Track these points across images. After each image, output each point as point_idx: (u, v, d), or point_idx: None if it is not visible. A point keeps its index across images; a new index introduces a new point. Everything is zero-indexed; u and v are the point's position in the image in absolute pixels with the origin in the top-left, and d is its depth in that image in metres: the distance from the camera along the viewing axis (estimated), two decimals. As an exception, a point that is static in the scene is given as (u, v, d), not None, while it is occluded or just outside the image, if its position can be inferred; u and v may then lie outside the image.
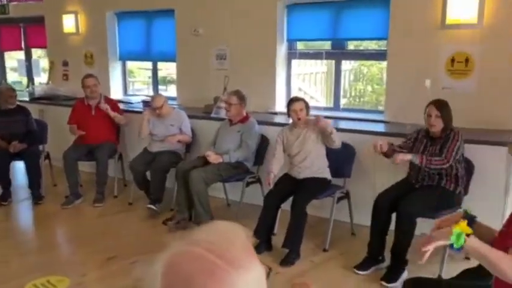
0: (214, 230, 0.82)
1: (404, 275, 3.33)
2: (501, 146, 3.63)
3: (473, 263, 2.36)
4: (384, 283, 3.33)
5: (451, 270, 3.10)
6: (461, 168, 3.51)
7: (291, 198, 3.84)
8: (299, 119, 3.93)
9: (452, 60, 4.22)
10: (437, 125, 3.46)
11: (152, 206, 4.62)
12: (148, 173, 4.81)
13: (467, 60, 4.17)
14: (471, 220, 1.93)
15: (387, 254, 3.53)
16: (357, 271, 3.51)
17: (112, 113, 5.14)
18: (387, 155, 3.61)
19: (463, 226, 1.71)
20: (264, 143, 4.56)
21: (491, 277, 2.10)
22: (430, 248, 1.70)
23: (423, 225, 3.47)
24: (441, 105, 3.47)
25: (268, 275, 0.82)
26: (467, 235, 1.69)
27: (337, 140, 3.86)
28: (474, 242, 1.69)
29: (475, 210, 3.65)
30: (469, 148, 3.58)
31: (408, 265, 3.41)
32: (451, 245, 1.69)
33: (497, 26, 3.98)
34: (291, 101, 4.00)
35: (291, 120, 4.15)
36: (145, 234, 4.28)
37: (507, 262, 1.66)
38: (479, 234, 1.93)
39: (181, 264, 0.74)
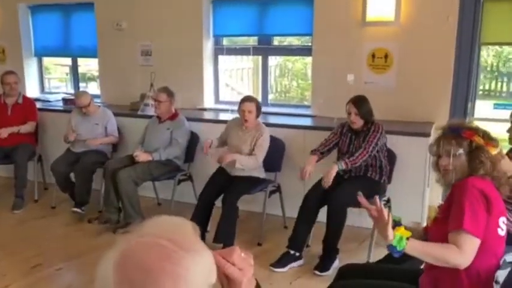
0: (160, 221, 0.83)
1: (336, 264, 3.46)
2: (421, 137, 3.88)
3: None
4: (317, 272, 3.43)
5: (378, 256, 3.28)
6: (384, 158, 3.70)
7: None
8: (246, 120, 3.89)
9: (373, 55, 4.43)
10: (357, 122, 3.62)
11: (77, 209, 4.42)
12: (72, 175, 4.59)
13: (386, 56, 4.39)
14: (399, 225, 2.11)
15: (314, 249, 3.64)
16: (273, 269, 3.48)
17: (14, 129, 4.80)
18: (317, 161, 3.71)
19: (402, 231, 1.86)
20: (193, 140, 4.52)
21: (413, 259, 2.25)
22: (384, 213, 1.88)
23: (351, 215, 3.64)
24: (359, 103, 3.61)
25: None
26: (407, 238, 1.84)
27: (246, 164, 3.84)
28: (415, 243, 1.85)
29: (398, 197, 3.88)
30: (391, 139, 3.78)
31: (339, 253, 3.54)
32: (393, 248, 1.84)
33: (413, 24, 4.23)
34: (243, 100, 3.94)
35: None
36: (70, 239, 4.09)
37: (449, 252, 1.81)
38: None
39: (134, 256, 0.74)
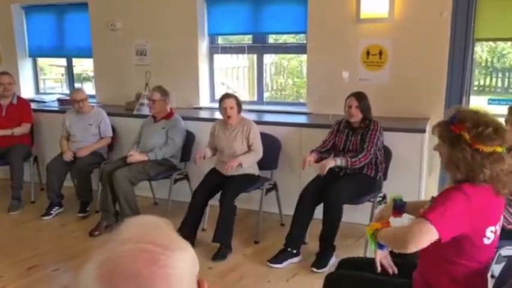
0: (135, 225, 0.83)
1: (333, 260, 3.46)
2: (416, 133, 3.89)
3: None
4: (314, 269, 3.44)
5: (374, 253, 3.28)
6: (381, 155, 3.71)
7: (219, 193, 3.84)
8: (229, 117, 3.90)
9: (368, 52, 4.44)
10: (357, 115, 3.64)
11: (83, 214, 4.49)
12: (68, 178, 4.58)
13: (381, 53, 4.40)
14: (401, 205, 2.12)
15: (311, 246, 3.64)
16: (270, 264, 3.51)
17: (7, 132, 4.78)
18: (316, 162, 3.71)
19: (372, 226, 1.99)
20: (189, 139, 4.52)
21: (412, 254, 2.26)
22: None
23: (348, 212, 3.65)
24: (360, 97, 3.65)
25: None
26: (377, 230, 1.96)
27: (251, 162, 3.87)
28: (380, 235, 1.95)
29: (394, 194, 3.89)
30: (386, 135, 3.78)
31: (336, 250, 3.54)
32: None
33: (407, 20, 4.24)
34: (222, 98, 3.95)
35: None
36: (67, 239, 4.07)
37: (401, 233, 1.82)
38: (411, 211, 2.13)
39: (121, 266, 0.74)
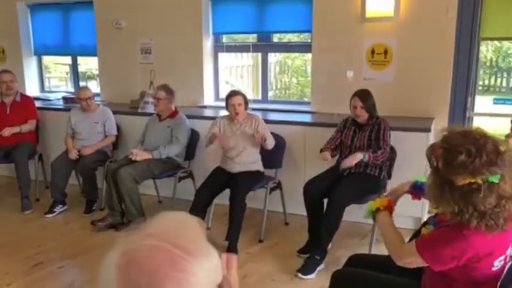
0: (164, 221, 0.81)
1: (321, 267, 3.38)
2: (421, 132, 3.88)
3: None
4: (300, 275, 3.32)
5: (378, 252, 3.28)
6: (385, 154, 3.70)
7: (224, 192, 3.84)
8: (237, 113, 3.90)
9: (373, 51, 4.42)
10: (363, 115, 3.64)
11: (88, 214, 4.50)
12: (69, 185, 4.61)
13: (386, 52, 4.39)
14: (421, 188, 2.11)
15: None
16: (299, 254, 3.57)
17: (16, 129, 4.77)
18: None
19: (376, 203, 2.05)
20: (194, 137, 4.52)
21: None
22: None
23: (353, 211, 3.64)
24: (364, 96, 3.63)
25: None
26: (379, 210, 2.02)
27: (271, 143, 3.91)
28: (380, 217, 2.02)
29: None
30: (391, 134, 3.77)
31: (326, 257, 3.45)
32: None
33: (412, 19, 4.23)
34: (230, 95, 3.94)
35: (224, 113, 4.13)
36: (72, 236, 4.09)
37: (394, 247, 1.89)
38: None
39: (139, 259, 0.73)
